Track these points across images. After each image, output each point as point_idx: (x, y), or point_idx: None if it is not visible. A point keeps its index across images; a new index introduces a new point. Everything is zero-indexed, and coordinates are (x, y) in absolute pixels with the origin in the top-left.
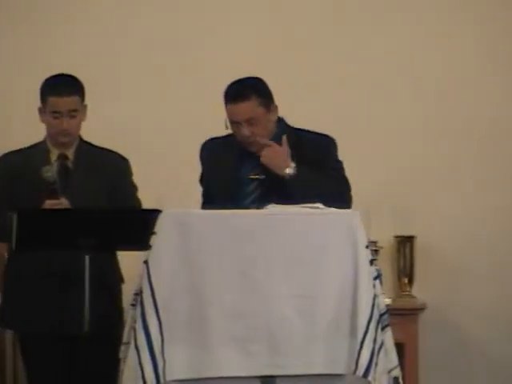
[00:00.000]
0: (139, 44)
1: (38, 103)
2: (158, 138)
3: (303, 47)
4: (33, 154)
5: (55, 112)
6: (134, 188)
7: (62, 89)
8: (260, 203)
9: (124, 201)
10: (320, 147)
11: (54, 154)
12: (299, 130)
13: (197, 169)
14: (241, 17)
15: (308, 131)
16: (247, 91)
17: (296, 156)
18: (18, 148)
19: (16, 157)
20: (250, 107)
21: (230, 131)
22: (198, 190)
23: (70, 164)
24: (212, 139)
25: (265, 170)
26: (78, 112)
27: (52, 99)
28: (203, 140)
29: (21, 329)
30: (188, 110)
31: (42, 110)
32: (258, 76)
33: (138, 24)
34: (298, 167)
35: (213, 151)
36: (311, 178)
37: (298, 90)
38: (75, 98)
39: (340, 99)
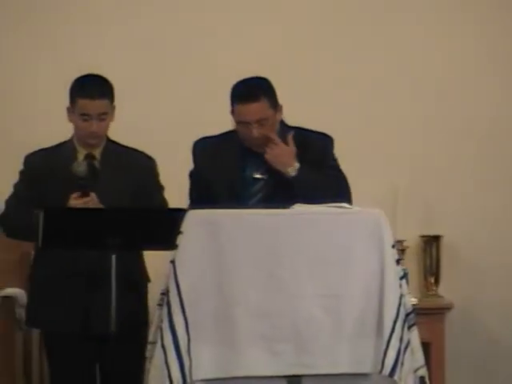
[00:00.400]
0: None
1: (60, 102)
2: (178, 137)
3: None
4: (60, 153)
5: (84, 114)
6: (160, 188)
7: (93, 91)
8: (265, 203)
9: (150, 200)
10: (321, 146)
11: (82, 154)
12: (298, 128)
13: None
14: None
15: (308, 130)
16: (257, 92)
17: (298, 155)
18: (44, 147)
19: (42, 156)
20: (260, 108)
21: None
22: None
23: (97, 164)
24: (205, 138)
25: (269, 169)
26: (107, 115)
27: (82, 101)
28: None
29: (47, 328)
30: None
31: (70, 110)
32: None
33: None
34: (300, 167)
35: (210, 150)
36: (313, 178)
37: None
38: (105, 102)
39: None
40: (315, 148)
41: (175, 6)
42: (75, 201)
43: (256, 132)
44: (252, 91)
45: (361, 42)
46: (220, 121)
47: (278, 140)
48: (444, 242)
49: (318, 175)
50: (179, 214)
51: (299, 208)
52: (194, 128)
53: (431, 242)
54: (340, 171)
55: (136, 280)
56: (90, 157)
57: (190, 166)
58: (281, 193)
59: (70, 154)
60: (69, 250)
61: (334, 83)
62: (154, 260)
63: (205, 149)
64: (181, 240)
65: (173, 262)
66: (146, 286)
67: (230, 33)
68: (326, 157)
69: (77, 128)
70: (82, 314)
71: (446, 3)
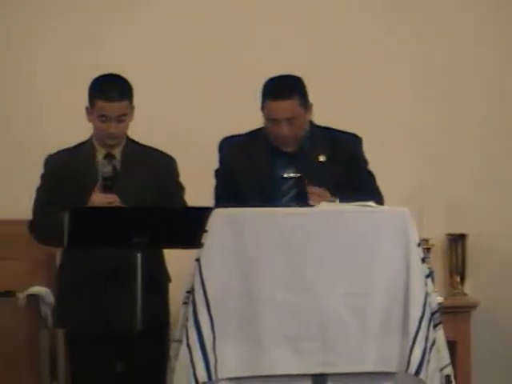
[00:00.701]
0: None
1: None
2: (202, 138)
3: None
4: (80, 154)
5: (103, 116)
6: (180, 188)
7: (112, 94)
8: (297, 201)
9: (172, 200)
10: (351, 147)
11: (101, 153)
12: (327, 128)
13: None
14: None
15: (336, 130)
16: (289, 89)
17: (329, 156)
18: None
19: (62, 157)
20: (292, 106)
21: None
22: None
23: (117, 163)
24: (232, 137)
25: (299, 168)
26: (126, 116)
27: (101, 103)
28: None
29: (72, 328)
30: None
31: (89, 110)
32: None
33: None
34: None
35: (238, 149)
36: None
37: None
38: (124, 103)
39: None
40: (345, 148)
41: (196, 5)
42: (99, 198)
43: (286, 130)
44: (284, 88)
45: (388, 41)
46: (242, 121)
47: (317, 191)
48: (470, 240)
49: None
50: (205, 212)
51: (325, 206)
52: (214, 128)
53: (457, 241)
54: (371, 174)
55: (158, 279)
56: (109, 156)
57: (212, 165)
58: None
59: (90, 153)
60: (94, 250)
61: (360, 82)
62: (173, 260)
63: (232, 147)
64: (206, 238)
65: (198, 260)
66: (167, 286)
67: (253, 32)
68: (356, 158)
69: (96, 128)
70: (105, 313)
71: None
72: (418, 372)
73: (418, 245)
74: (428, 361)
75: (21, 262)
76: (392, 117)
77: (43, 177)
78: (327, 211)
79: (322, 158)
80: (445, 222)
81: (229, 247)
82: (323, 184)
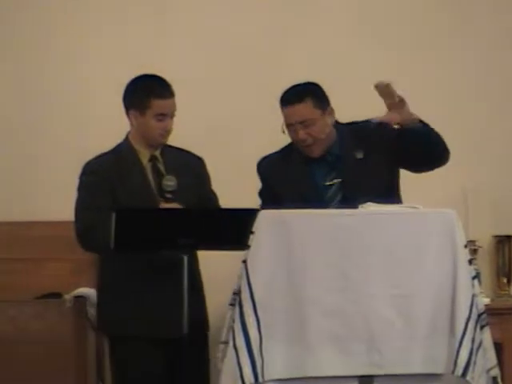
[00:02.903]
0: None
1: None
2: (236, 138)
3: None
4: (123, 158)
5: (161, 114)
6: (210, 186)
7: (166, 91)
8: (345, 205)
9: (209, 200)
10: (380, 133)
11: (145, 156)
12: (352, 123)
13: None
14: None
15: (361, 121)
16: (301, 94)
17: (366, 149)
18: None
19: (105, 162)
20: (303, 109)
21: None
22: None
23: (160, 166)
24: (266, 157)
25: (339, 172)
26: (175, 112)
27: (158, 102)
28: (278, 138)
29: (115, 332)
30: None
31: (137, 113)
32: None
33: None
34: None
35: (275, 166)
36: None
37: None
38: (174, 99)
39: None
40: (372, 134)
41: (243, 8)
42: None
43: (301, 133)
44: (295, 93)
45: (422, 41)
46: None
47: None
48: None
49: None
50: (251, 213)
51: (371, 208)
52: (264, 126)
53: (504, 242)
54: None
55: (198, 282)
56: (154, 159)
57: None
58: (356, 193)
59: (134, 157)
60: (140, 251)
61: (397, 83)
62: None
63: (268, 165)
64: (252, 240)
65: (245, 262)
66: (203, 289)
67: (290, 37)
68: (388, 142)
69: (150, 129)
70: (154, 317)
71: None
72: (464, 373)
73: (465, 246)
74: (475, 362)
75: (64, 262)
76: (437, 117)
77: (87, 183)
78: (374, 212)
79: (359, 156)
80: (491, 224)
81: (275, 249)
82: (368, 179)
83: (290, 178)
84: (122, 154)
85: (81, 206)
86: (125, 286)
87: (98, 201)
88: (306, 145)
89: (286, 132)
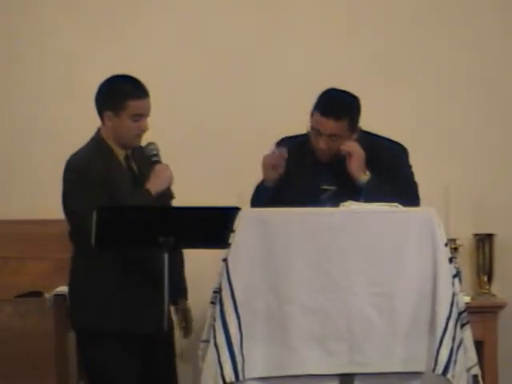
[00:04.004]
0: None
1: None
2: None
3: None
4: (102, 157)
5: (137, 115)
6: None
7: (142, 91)
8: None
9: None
10: (393, 156)
11: (121, 155)
12: (373, 135)
13: None
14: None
15: (382, 137)
16: (341, 112)
17: (369, 161)
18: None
19: (98, 161)
20: (337, 127)
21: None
22: None
23: (133, 165)
24: (288, 138)
25: (337, 181)
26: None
27: (135, 103)
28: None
29: (95, 328)
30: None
31: (113, 115)
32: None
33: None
34: (372, 177)
35: (291, 153)
36: (383, 189)
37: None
38: (149, 99)
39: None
40: (386, 155)
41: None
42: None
43: (323, 144)
44: (338, 108)
45: (417, 43)
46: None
47: (352, 148)
48: (497, 240)
49: (386, 185)
50: (232, 212)
51: (352, 206)
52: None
53: (484, 241)
54: (410, 181)
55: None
56: (128, 158)
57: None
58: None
59: (115, 156)
60: (122, 249)
61: (386, 83)
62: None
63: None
64: (233, 238)
65: (225, 260)
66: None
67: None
68: (398, 166)
69: (126, 130)
70: (136, 314)
71: None
72: (445, 372)
73: (446, 245)
74: (455, 361)
75: (44, 261)
76: (417, 117)
77: (85, 182)
78: (354, 211)
79: None
80: (472, 222)
81: (256, 247)
82: (358, 194)
83: (299, 173)
84: (104, 153)
85: (88, 207)
86: (108, 284)
87: (98, 200)
88: (322, 152)
89: (310, 132)
